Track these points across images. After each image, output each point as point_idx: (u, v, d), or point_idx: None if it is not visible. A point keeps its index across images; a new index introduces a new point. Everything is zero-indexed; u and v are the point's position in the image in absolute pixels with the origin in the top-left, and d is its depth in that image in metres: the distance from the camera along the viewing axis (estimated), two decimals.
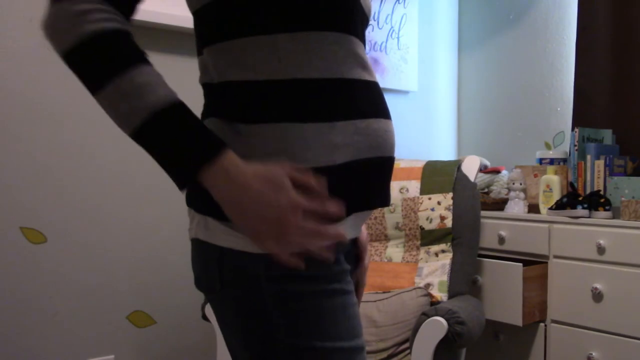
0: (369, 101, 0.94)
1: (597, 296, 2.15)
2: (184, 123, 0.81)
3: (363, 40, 0.99)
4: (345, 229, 0.93)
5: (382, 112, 0.96)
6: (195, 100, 1.12)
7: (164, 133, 0.81)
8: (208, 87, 0.96)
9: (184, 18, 2.16)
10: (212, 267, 0.91)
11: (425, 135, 3.13)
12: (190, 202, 0.94)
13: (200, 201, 0.91)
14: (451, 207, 2.37)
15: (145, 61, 0.83)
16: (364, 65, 0.95)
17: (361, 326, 0.94)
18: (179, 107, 0.82)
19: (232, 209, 0.82)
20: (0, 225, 1.97)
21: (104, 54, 0.81)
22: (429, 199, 2.41)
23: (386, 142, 0.96)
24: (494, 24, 3.10)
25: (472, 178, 2.47)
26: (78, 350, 2.11)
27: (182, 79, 1.94)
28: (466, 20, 3.23)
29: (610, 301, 2.12)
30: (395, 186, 2.48)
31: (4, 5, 1.98)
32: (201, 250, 0.92)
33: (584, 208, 2.24)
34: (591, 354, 2.16)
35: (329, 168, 0.88)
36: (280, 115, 0.88)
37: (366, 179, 0.93)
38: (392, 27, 2.93)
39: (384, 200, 0.98)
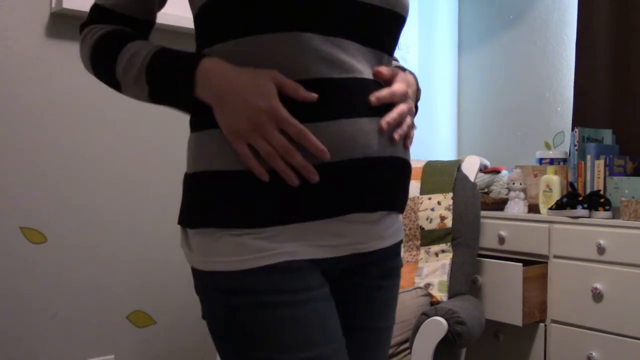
0: (334, 100, 0.88)
1: (597, 296, 2.15)
2: (166, 60, 0.91)
3: (348, 35, 0.91)
4: (308, 237, 0.90)
5: (352, 110, 0.89)
6: None
7: (159, 77, 0.91)
8: None
9: (183, 18, 2.16)
10: (194, 275, 0.96)
11: (425, 135, 3.13)
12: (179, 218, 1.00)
13: (180, 211, 0.97)
14: (451, 207, 2.37)
15: (130, 40, 0.96)
16: (329, 61, 0.88)
17: (325, 334, 0.90)
18: (160, 52, 0.92)
19: (215, 103, 0.87)
20: (0, 225, 1.97)
21: (103, 57, 0.97)
22: (429, 199, 2.41)
23: (350, 142, 0.88)
24: (494, 24, 3.10)
25: (472, 178, 2.47)
26: (78, 350, 2.11)
27: None
28: (466, 21, 3.23)
29: (610, 301, 2.12)
30: None
31: (4, 5, 1.98)
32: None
33: (584, 208, 2.24)
34: (591, 354, 2.16)
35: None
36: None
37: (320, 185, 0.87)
38: None
39: (371, 202, 0.92)
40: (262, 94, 0.83)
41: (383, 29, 0.96)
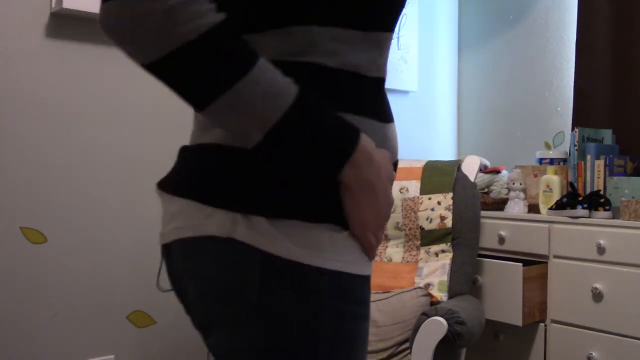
0: (387, 104, 0.91)
1: (597, 296, 2.15)
2: (317, 112, 0.75)
3: None
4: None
5: (392, 115, 0.94)
6: None
7: (302, 128, 0.74)
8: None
9: None
10: (250, 272, 0.76)
11: (425, 135, 3.13)
12: (222, 201, 0.77)
13: (242, 198, 0.77)
14: (451, 207, 2.37)
15: (255, 53, 0.73)
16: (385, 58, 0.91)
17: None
18: (304, 95, 0.75)
19: (362, 191, 0.77)
20: (0, 225, 1.97)
21: (215, 57, 0.70)
22: (429, 199, 2.41)
23: (396, 147, 0.92)
24: (494, 24, 3.10)
25: (472, 178, 2.47)
26: (78, 350, 2.11)
27: None
28: (466, 21, 3.23)
29: (610, 301, 2.12)
30: (395, 186, 2.48)
31: (4, 5, 1.98)
32: (230, 251, 0.76)
33: (584, 208, 2.24)
34: (591, 354, 2.16)
35: None
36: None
37: None
38: None
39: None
40: (392, 185, 0.82)
41: None
